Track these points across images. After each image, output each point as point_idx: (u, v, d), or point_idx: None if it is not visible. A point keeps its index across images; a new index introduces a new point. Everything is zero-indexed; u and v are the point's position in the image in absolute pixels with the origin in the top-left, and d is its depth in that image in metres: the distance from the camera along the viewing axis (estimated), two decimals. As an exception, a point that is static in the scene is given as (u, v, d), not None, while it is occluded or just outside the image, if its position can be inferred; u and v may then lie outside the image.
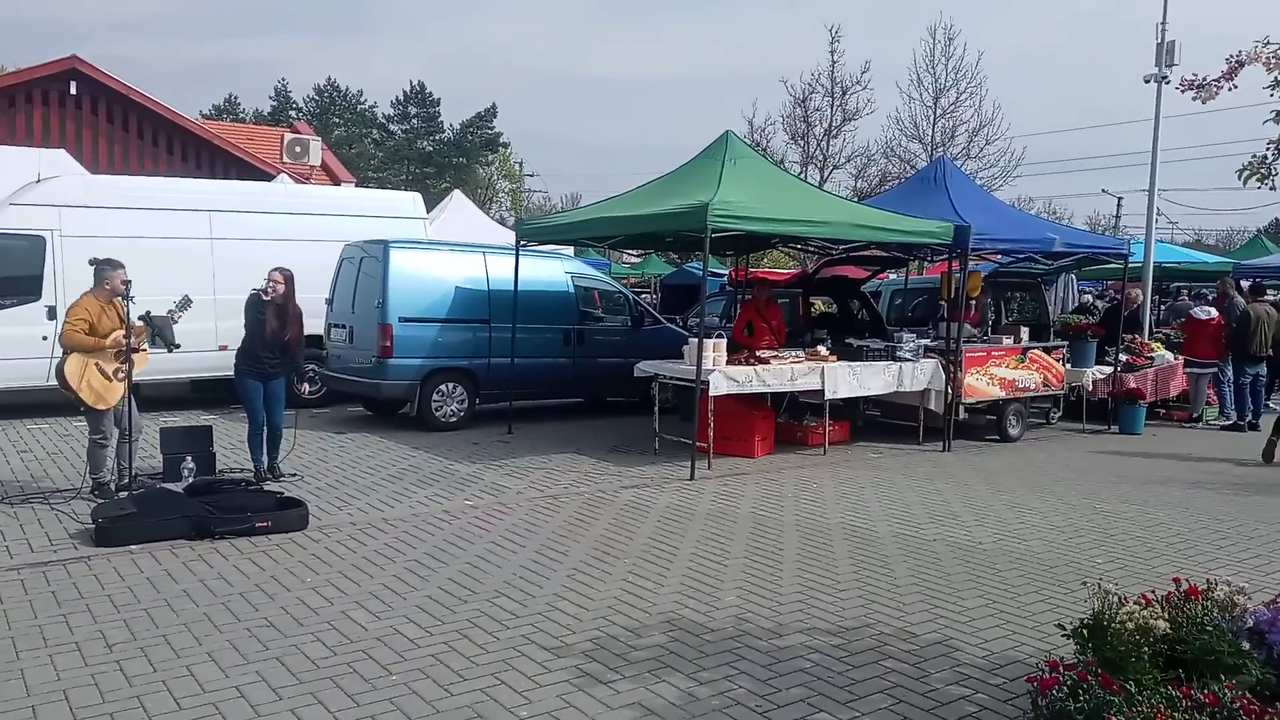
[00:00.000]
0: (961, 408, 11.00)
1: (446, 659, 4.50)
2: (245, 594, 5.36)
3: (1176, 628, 3.80)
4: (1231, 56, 3.50)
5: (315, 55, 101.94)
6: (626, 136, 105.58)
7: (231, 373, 8.51)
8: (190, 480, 7.72)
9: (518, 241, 11.25)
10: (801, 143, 30.97)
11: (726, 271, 18.72)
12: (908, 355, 10.77)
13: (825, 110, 30.63)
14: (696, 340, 9.17)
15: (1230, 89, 3.57)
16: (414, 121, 62.69)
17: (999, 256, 13.23)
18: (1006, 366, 11.50)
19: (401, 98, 62.58)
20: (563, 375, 12.14)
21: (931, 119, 29.76)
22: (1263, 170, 3.57)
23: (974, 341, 11.60)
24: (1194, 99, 3.58)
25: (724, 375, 9.28)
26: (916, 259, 14.05)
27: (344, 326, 11.65)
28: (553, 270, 12.35)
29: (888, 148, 30.75)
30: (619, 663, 4.48)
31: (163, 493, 6.98)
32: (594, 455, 9.85)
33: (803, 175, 29.46)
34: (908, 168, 27.41)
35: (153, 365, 7.94)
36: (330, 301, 11.94)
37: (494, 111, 61.82)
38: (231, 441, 9.78)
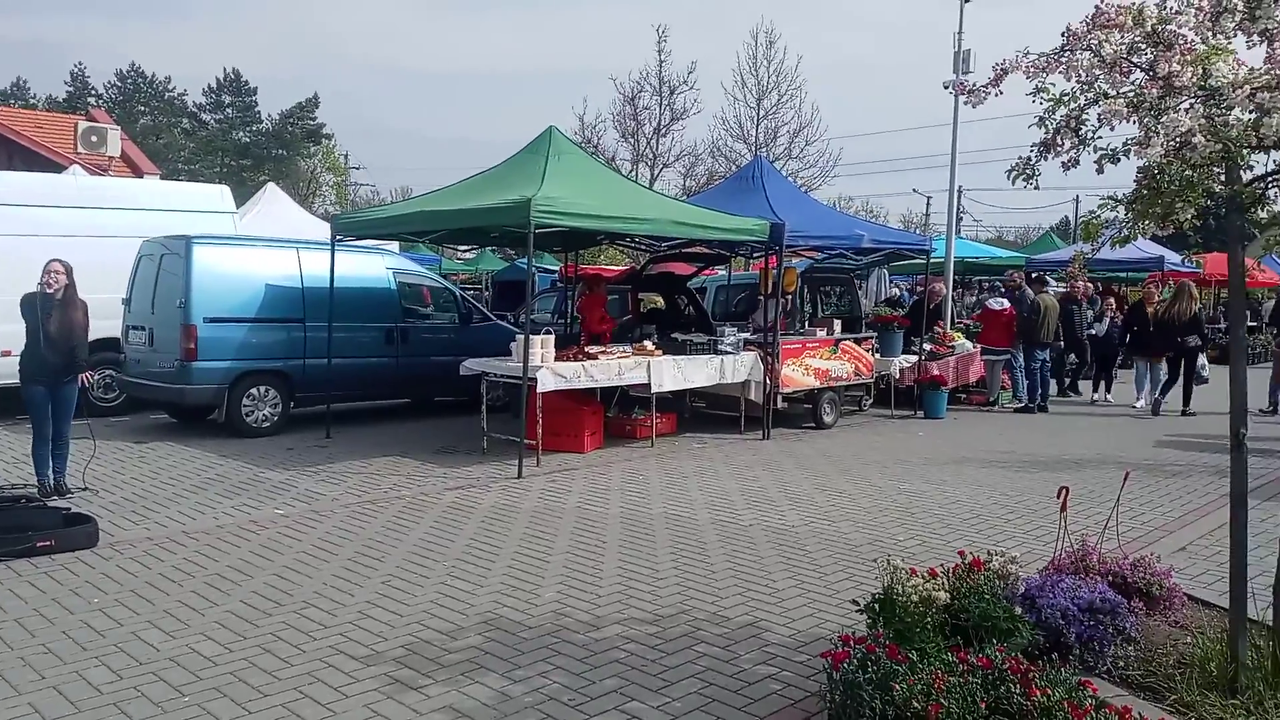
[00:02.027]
0: (780, 397, 11.43)
1: (247, 675, 4.28)
2: (22, 620, 4.92)
3: (959, 597, 4.07)
4: (997, 65, 3.77)
5: (115, 38, 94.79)
6: (459, 130, 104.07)
7: (17, 380, 7.79)
8: (-40, 499, 7.00)
9: (333, 237, 10.82)
10: (632, 140, 31.37)
11: (558, 268, 18.74)
12: (728, 348, 11.09)
13: (654, 109, 31.13)
14: (523, 337, 9.10)
15: (997, 94, 3.84)
16: (228, 111, 59.45)
17: (816, 253, 13.82)
18: (821, 357, 12.02)
19: (214, 86, 59.17)
20: (385, 375, 11.78)
21: (755, 120, 30.79)
22: (1028, 171, 3.83)
23: (788, 334, 12.07)
24: (965, 103, 3.83)
25: (552, 372, 9.26)
26: (740, 255, 14.48)
27: (143, 328, 10.88)
28: (373, 266, 11.95)
29: (714, 147, 31.60)
30: (432, 667, 4.39)
31: (-74, 514, 6.30)
32: (418, 457, 9.62)
33: (634, 173, 29.85)
34: (733, 167, 28.19)
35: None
36: (128, 302, 11.13)
37: (316, 101, 59.45)
38: (16, 455, 8.96)
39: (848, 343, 12.53)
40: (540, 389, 9.08)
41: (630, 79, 31.67)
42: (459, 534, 6.72)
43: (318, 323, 10.83)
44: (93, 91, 58.23)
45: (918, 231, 36.56)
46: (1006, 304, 14.61)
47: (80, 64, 61.25)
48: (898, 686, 3.27)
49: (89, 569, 5.80)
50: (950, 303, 16.08)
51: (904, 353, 13.27)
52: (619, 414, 11.23)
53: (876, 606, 3.99)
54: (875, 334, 13.18)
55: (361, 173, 63.57)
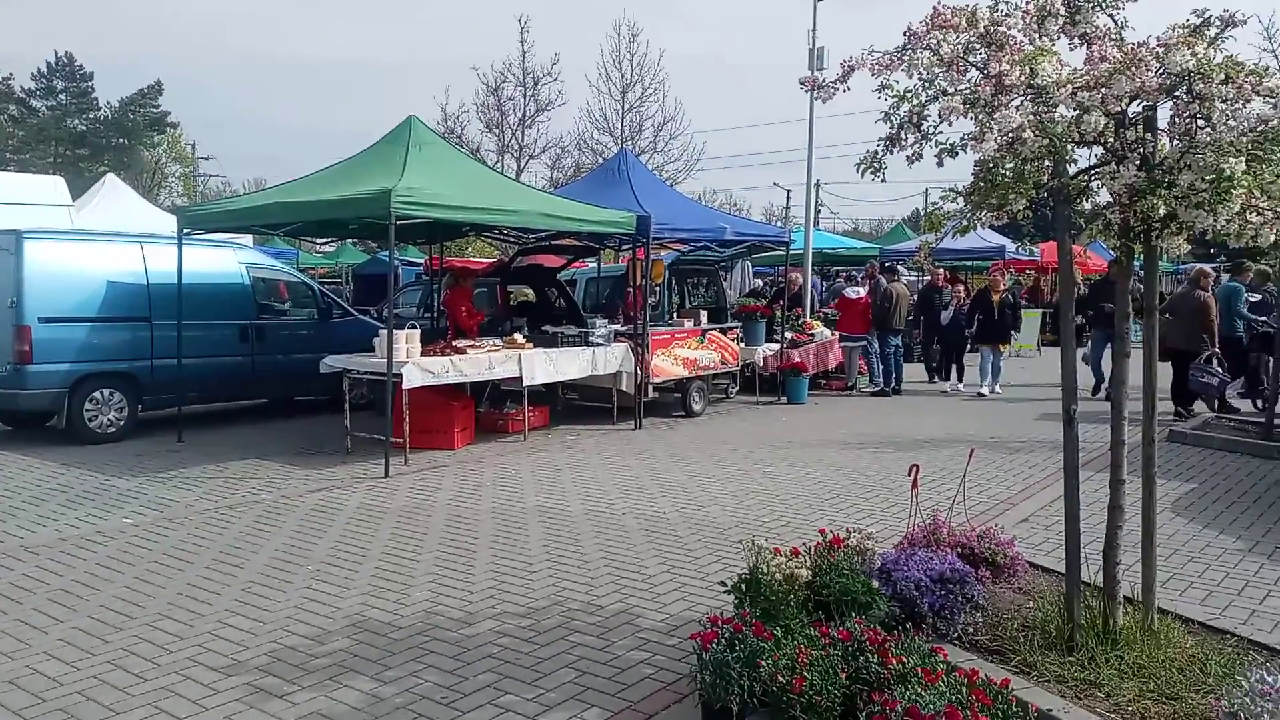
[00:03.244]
0: (650, 387, 11.58)
1: (97, 694, 4.05)
2: None
3: (820, 574, 4.24)
4: (844, 62, 3.92)
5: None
6: (316, 120, 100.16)
7: None
8: None
9: (180, 230, 10.28)
10: (496, 131, 31.04)
11: (423, 260, 18.37)
12: (599, 340, 11.15)
13: (519, 100, 30.89)
14: (387, 332, 8.89)
15: (845, 91, 4.00)
16: (61, 97, 55.41)
17: (682, 245, 14.05)
18: (688, 347, 12.23)
19: (45, 70, 55.05)
20: (241, 375, 11.29)
21: (620, 113, 30.98)
22: (875, 165, 4.00)
23: (657, 325, 12.24)
24: (815, 99, 3.98)
25: (418, 367, 9.09)
26: (609, 248, 14.57)
27: (-30, 331, 10.07)
28: (225, 261, 11.41)
29: (581, 139, 31.62)
30: (297, 674, 4.26)
31: None
32: (279, 459, 9.27)
33: (499, 164, 29.55)
34: (600, 159, 28.31)
35: None
36: (-50, 302, 10.28)
37: (159, 88, 56.05)
38: None
39: (714, 333, 12.80)
40: (406, 385, 8.90)
41: (493, 70, 31.26)
42: (323, 537, 6.53)
43: (166, 321, 10.29)
44: (-98, 74, 53.25)
45: (778, 224, 37.62)
46: (862, 293, 15.22)
47: (-114, 43, 55.98)
48: (764, 663, 3.39)
49: (-89, 592, 5.36)
50: (808, 292, 16.61)
51: (767, 341, 13.66)
52: (490, 409, 11.13)
53: (743, 587, 4.11)
54: (740, 324, 13.50)
55: (211, 163, 60.60)
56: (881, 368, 14.79)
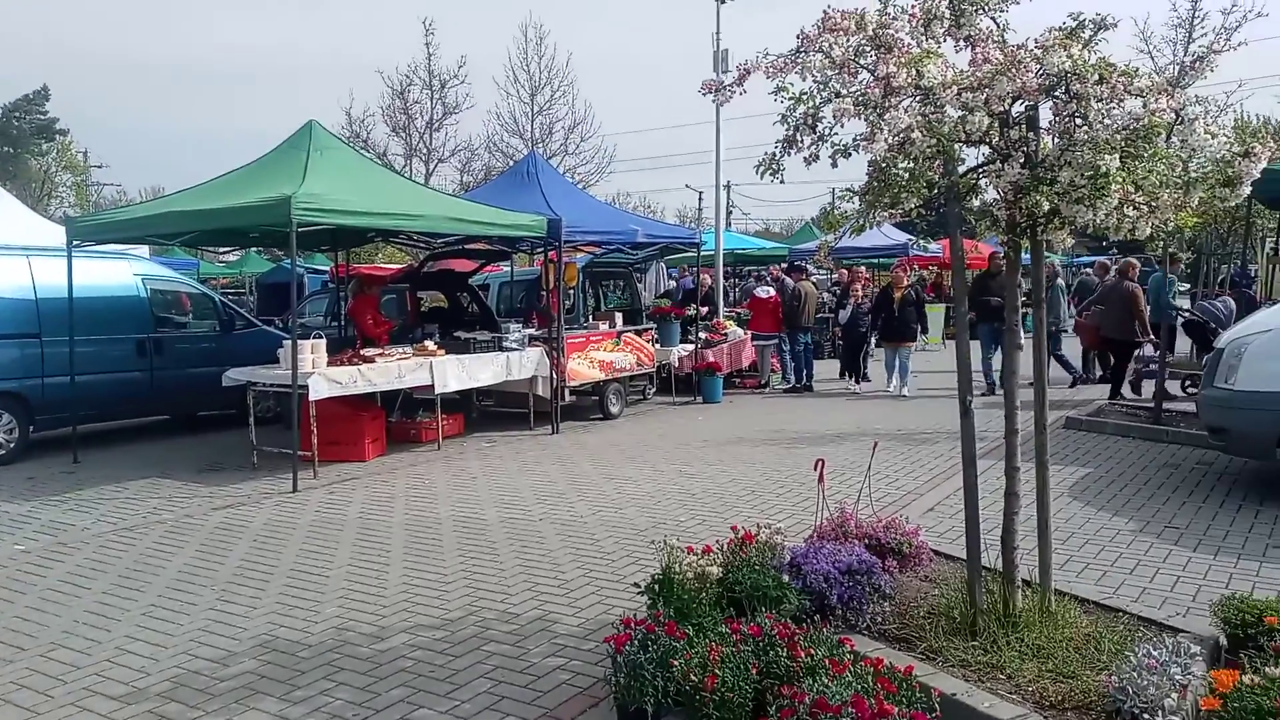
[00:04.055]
0: (567, 391, 11.54)
1: (-19, 733, 3.85)
2: None
3: (732, 570, 4.28)
4: (740, 65, 3.97)
5: None
6: (214, 126, 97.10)
7: None
8: None
9: (69, 242, 9.84)
10: (403, 135, 30.58)
11: (329, 268, 17.97)
12: (514, 345, 11.07)
13: (425, 103, 30.49)
14: (291, 342, 8.66)
15: (741, 93, 4.05)
16: (-63, 104, 52.47)
17: (596, 248, 14.04)
18: (604, 350, 12.24)
19: (-83, 75, 52.06)
20: (139, 391, 10.87)
21: (530, 115, 30.83)
22: (773, 166, 4.06)
23: (572, 328, 12.21)
24: (712, 101, 4.02)
25: (324, 378, 8.88)
26: (522, 251, 14.47)
27: None
28: (118, 273, 10.97)
29: (491, 142, 31.37)
30: (201, 698, 4.12)
31: None
32: (181, 477, 8.96)
33: (407, 168, 29.11)
34: (510, 162, 28.11)
35: None
36: None
37: (46, 94, 53.60)
38: None
39: (629, 335, 12.84)
40: (313, 396, 8.68)
41: (399, 72, 30.78)
42: (229, 556, 6.33)
43: (57, 337, 9.85)
44: None
45: (691, 226, 37.91)
46: (772, 292, 15.45)
47: None
48: (677, 663, 3.41)
49: None
50: (721, 292, 16.80)
51: (681, 342, 13.76)
52: (402, 418, 10.94)
53: (656, 587, 4.12)
54: (655, 325, 13.57)
55: (105, 171, 58.15)
56: (793, 365, 15.03)
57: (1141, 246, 14.24)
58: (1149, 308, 12.48)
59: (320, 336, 9.47)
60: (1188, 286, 14.07)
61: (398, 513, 7.43)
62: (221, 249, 18.88)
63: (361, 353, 9.82)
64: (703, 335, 14.14)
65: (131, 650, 4.70)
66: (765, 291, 15.63)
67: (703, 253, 15.24)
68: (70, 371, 9.73)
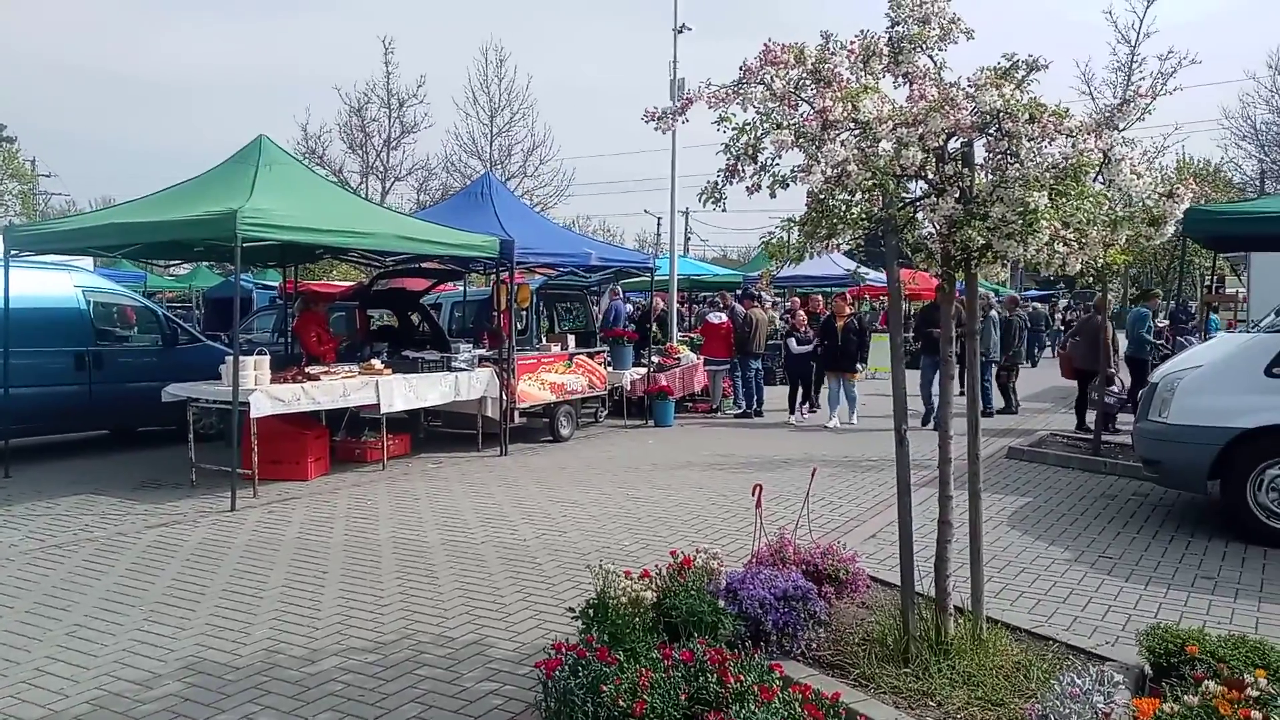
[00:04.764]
0: (516, 413, 11.48)
1: (-116, 759, 3.70)
2: None
3: (668, 595, 4.27)
4: (684, 95, 4.01)
5: None
6: (169, 140, 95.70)
7: None
8: None
9: (6, 251, 9.60)
10: (360, 152, 30.42)
11: (279, 284, 17.73)
12: (463, 365, 11.00)
13: (383, 121, 30.38)
14: (233, 358, 8.52)
15: (684, 122, 4.10)
16: (-123, 106, 51.10)
17: (550, 270, 14.03)
18: (556, 372, 12.21)
19: None
20: (76, 405, 10.60)
21: (489, 136, 30.85)
22: (715, 195, 4.10)
23: (523, 349, 12.18)
24: (655, 129, 4.06)
25: (267, 395, 8.74)
26: (475, 271, 14.41)
27: None
28: (58, 284, 10.72)
29: (449, 162, 31.33)
30: (120, 722, 4.01)
31: None
32: (116, 494, 8.74)
33: (363, 186, 28.92)
34: (468, 182, 28.09)
35: None
36: None
37: (-8, 100, 52.48)
38: None
39: (582, 357, 12.82)
40: (254, 414, 8.54)
41: (357, 90, 30.57)
42: (160, 575, 6.18)
43: (-10, 348, 9.58)
44: None
45: (649, 251, 38.10)
46: (725, 318, 15.55)
47: None
48: (606, 688, 3.38)
49: None
50: (674, 318, 16.86)
51: (634, 366, 13.77)
52: (347, 437, 10.80)
53: (591, 612, 4.10)
54: (607, 348, 13.58)
55: (56, 181, 56.92)
56: (744, 390, 15.10)
57: (1072, 281, 14.72)
58: (1129, 341, 12.98)
59: (264, 353, 9.33)
60: (1167, 323, 14.56)
61: (337, 533, 7.31)
62: (167, 262, 18.58)
63: (307, 370, 9.69)
64: (655, 359, 14.18)
65: (51, 671, 4.56)
66: (718, 317, 15.73)
67: (657, 278, 15.30)
68: (3, 383, 9.47)
